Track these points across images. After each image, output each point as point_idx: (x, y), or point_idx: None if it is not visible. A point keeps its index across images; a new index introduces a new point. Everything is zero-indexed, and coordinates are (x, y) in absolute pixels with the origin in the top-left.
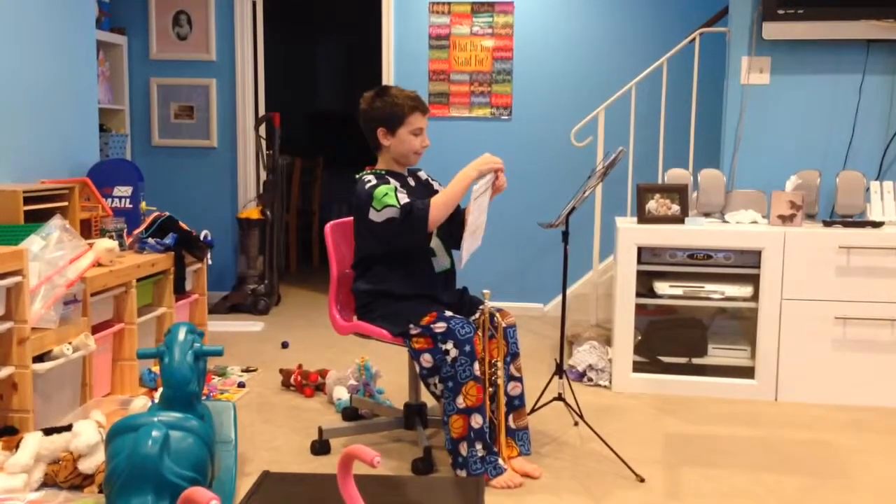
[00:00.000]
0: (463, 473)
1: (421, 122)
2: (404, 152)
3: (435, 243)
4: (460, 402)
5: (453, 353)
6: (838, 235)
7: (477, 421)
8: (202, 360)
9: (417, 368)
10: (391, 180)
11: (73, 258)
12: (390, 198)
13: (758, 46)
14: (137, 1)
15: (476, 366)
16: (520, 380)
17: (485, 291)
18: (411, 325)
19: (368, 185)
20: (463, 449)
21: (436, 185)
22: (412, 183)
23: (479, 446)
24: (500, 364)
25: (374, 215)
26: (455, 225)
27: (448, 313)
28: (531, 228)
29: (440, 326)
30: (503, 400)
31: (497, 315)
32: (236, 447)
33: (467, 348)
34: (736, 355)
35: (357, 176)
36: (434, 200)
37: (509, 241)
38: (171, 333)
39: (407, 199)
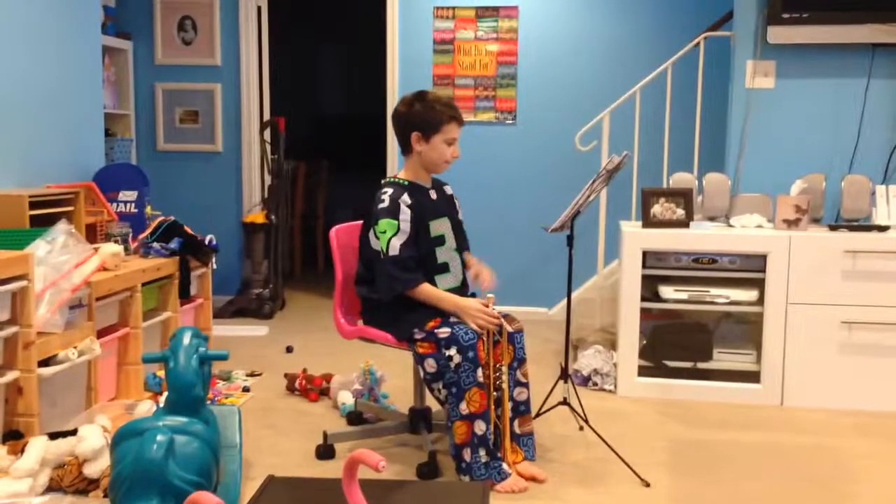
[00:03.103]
0: (466, 478)
1: (456, 132)
2: (434, 160)
3: (451, 258)
4: (464, 408)
5: (457, 358)
6: (844, 239)
7: (480, 427)
8: (207, 364)
9: (421, 373)
10: (403, 207)
11: (78, 263)
12: (383, 240)
13: (763, 50)
14: (143, 6)
15: (479, 372)
16: (526, 385)
17: (489, 296)
18: (416, 330)
19: (381, 204)
20: (466, 455)
21: (457, 205)
22: (434, 196)
23: (482, 452)
24: (504, 369)
25: (372, 238)
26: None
27: (453, 319)
28: (536, 232)
29: (444, 332)
30: (508, 405)
31: (502, 320)
32: (241, 451)
33: (471, 354)
34: (741, 360)
35: (383, 181)
36: (427, 288)
37: (514, 245)
38: (176, 338)
39: (401, 247)
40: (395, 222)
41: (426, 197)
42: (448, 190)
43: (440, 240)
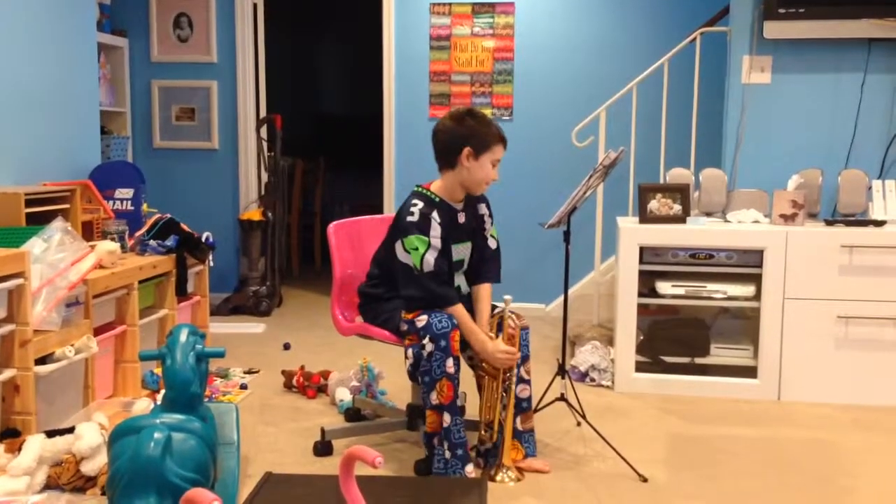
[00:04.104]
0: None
1: (502, 153)
2: (479, 179)
3: (462, 280)
4: (434, 398)
5: (429, 347)
6: (840, 234)
7: (447, 419)
8: (204, 361)
9: (406, 366)
10: (434, 224)
11: (74, 260)
12: (416, 256)
13: (759, 46)
14: (138, 3)
15: (450, 362)
16: (528, 382)
17: (506, 297)
18: (402, 322)
19: (410, 217)
20: (435, 442)
21: (487, 224)
22: (461, 220)
23: (445, 446)
24: (513, 371)
25: (400, 251)
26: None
27: (435, 309)
28: (533, 229)
29: (422, 320)
30: (512, 405)
31: (514, 318)
32: (238, 449)
33: (442, 343)
34: (738, 355)
35: (414, 188)
36: (462, 313)
37: (511, 241)
38: (173, 335)
39: (435, 262)
40: (426, 239)
41: (454, 219)
42: (482, 209)
43: (460, 264)
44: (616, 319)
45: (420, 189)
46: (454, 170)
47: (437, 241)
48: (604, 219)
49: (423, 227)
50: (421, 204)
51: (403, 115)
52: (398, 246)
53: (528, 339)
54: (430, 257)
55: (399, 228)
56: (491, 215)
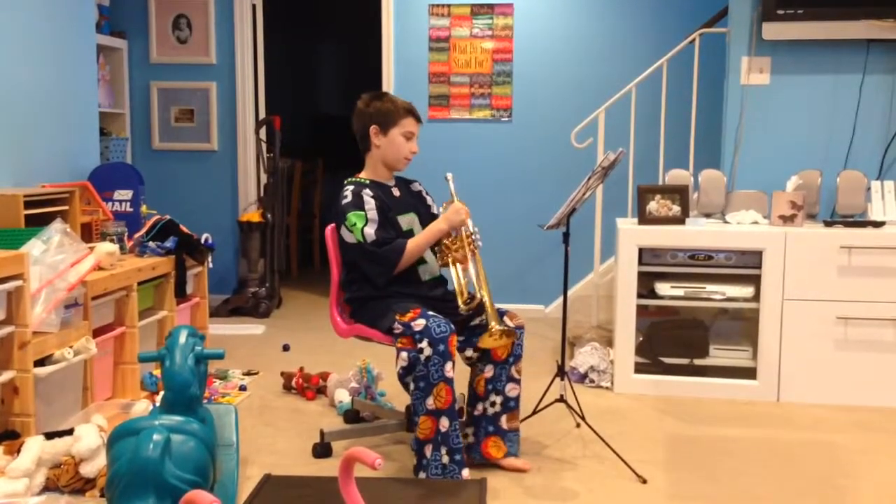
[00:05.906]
0: (423, 475)
1: (413, 127)
2: (394, 154)
3: (429, 256)
4: (430, 403)
5: (427, 351)
6: (839, 235)
7: (444, 424)
8: (203, 363)
9: (396, 367)
10: (367, 198)
11: (73, 262)
12: (357, 230)
13: (758, 47)
14: (137, 5)
15: (448, 366)
16: (518, 382)
17: (448, 175)
18: (396, 323)
19: (344, 200)
20: (427, 451)
21: (428, 200)
22: (397, 193)
23: (443, 451)
24: (476, 229)
25: (346, 234)
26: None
27: (430, 312)
28: (532, 230)
29: (419, 324)
30: (479, 259)
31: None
32: (238, 450)
33: (441, 347)
34: (737, 356)
35: (345, 182)
36: (413, 243)
37: (510, 242)
38: (172, 337)
39: (375, 233)
40: (363, 213)
41: (388, 194)
42: (416, 187)
43: (410, 234)
44: (615, 321)
45: (349, 179)
46: (371, 151)
47: (373, 213)
48: (603, 220)
49: (357, 203)
50: (352, 187)
51: None
52: (343, 230)
53: (522, 339)
54: (370, 229)
55: (338, 215)
56: (429, 193)
